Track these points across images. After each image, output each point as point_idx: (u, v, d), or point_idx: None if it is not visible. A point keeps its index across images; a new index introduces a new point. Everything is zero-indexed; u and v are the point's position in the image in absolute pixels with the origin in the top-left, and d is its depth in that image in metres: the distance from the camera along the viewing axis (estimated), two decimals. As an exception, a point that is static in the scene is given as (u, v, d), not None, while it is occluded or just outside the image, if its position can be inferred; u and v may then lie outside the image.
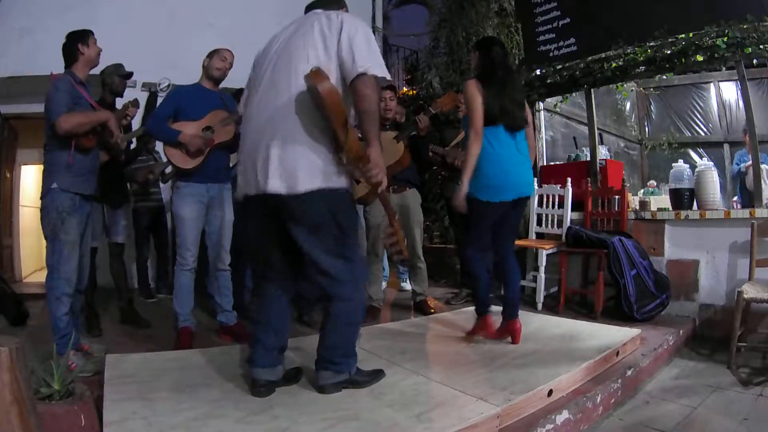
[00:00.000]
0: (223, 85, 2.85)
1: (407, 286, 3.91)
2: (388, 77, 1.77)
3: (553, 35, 4.33)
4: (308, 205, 1.71)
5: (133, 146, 3.41)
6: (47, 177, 2.28)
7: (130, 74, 3.05)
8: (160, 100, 4.65)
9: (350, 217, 1.85)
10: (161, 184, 4.25)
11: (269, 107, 1.78)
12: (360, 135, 1.72)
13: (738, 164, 4.49)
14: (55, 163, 2.27)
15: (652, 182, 4.76)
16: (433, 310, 3.38)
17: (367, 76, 1.67)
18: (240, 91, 2.17)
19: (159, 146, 3.92)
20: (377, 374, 1.97)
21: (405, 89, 6.79)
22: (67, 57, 2.37)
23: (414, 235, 3.34)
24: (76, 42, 2.35)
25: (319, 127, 1.71)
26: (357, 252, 1.90)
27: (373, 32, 6.78)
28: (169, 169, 3.71)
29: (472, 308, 3.19)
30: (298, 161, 1.69)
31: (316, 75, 1.59)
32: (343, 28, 1.74)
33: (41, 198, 2.28)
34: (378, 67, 1.71)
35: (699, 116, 5.78)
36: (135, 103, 2.83)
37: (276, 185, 1.69)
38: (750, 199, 3.76)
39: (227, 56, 2.78)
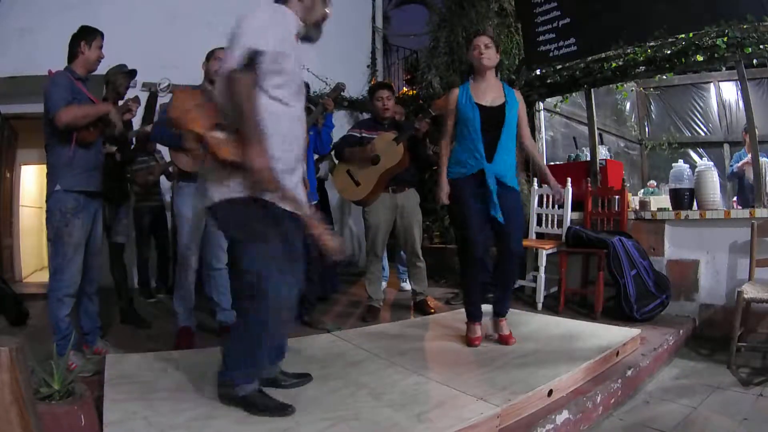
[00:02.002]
0: None
1: (407, 286, 3.90)
2: None
3: (553, 35, 4.32)
4: None
5: (133, 145, 3.41)
6: (50, 179, 2.25)
7: (134, 72, 3.03)
8: (160, 101, 4.65)
9: None
10: (162, 184, 4.25)
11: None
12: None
13: (732, 165, 4.49)
14: (56, 163, 2.24)
15: (652, 182, 4.76)
16: (432, 310, 3.37)
17: None
18: None
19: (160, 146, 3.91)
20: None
21: (405, 89, 6.79)
22: (70, 52, 2.34)
23: (413, 234, 3.35)
24: (81, 39, 2.33)
25: None
26: None
27: (373, 32, 6.75)
28: (172, 169, 3.71)
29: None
30: None
31: None
32: None
33: (46, 200, 2.26)
34: None
35: (699, 116, 5.77)
36: (136, 100, 2.81)
37: None
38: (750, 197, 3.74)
39: (221, 55, 2.76)
